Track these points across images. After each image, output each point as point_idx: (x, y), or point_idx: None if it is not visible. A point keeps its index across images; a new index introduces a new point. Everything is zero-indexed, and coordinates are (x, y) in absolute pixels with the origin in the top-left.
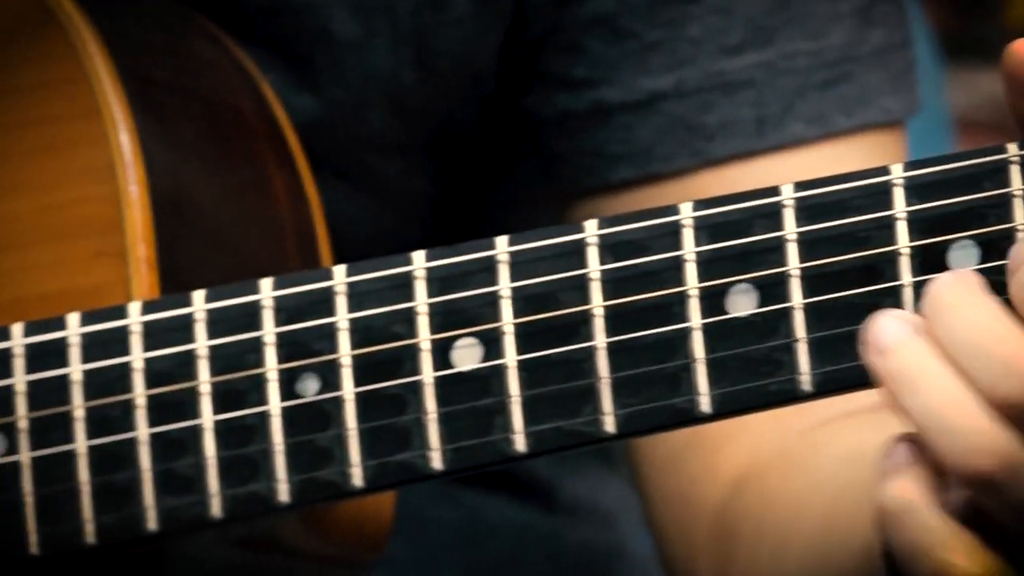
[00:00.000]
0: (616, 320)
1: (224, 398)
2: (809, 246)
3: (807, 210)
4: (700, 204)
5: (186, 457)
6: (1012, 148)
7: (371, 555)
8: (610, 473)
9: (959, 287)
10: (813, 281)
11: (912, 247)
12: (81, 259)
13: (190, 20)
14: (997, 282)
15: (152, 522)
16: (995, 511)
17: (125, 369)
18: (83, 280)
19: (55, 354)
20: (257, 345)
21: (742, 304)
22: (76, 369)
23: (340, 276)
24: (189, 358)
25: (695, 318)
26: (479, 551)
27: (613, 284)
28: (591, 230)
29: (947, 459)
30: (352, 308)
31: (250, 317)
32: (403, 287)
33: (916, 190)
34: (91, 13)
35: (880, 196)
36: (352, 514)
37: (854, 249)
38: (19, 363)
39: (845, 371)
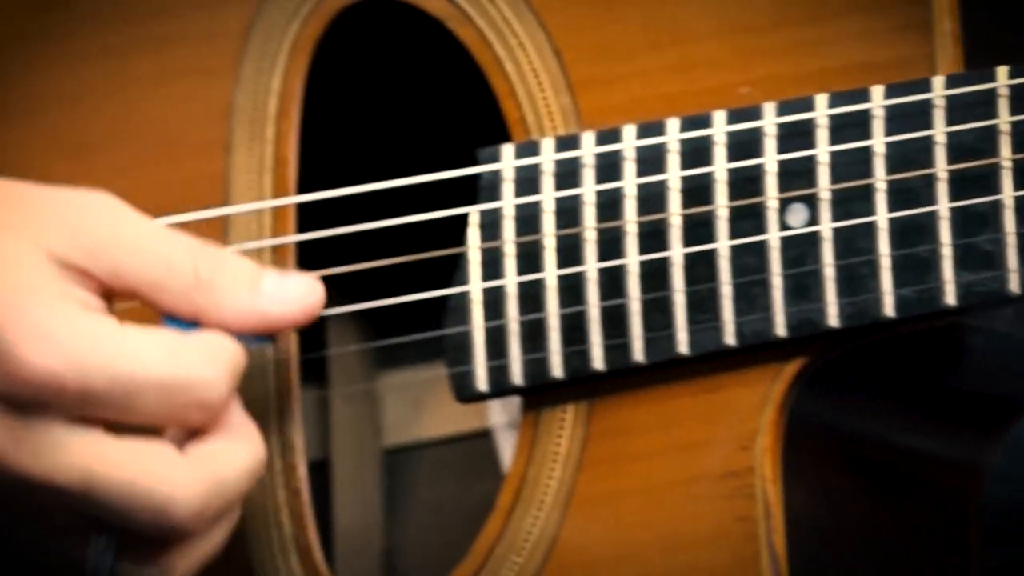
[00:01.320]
0: None
1: None
2: None
3: None
4: None
5: (986, 232)
6: None
7: None
8: None
9: None
10: None
11: None
12: (885, 31)
13: None
14: None
15: (950, 296)
16: None
17: (928, 142)
18: (888, 53)
19: (857, 126)
20: None
21: None
22: (879, 141)
23: None
24: (991, 133)
25: None
26: None
27: None
28: None
29: None
30: None
31: None
32: None
33: None
34: None
35: None
36: None
37: None
38: (822, 134)
39: None
